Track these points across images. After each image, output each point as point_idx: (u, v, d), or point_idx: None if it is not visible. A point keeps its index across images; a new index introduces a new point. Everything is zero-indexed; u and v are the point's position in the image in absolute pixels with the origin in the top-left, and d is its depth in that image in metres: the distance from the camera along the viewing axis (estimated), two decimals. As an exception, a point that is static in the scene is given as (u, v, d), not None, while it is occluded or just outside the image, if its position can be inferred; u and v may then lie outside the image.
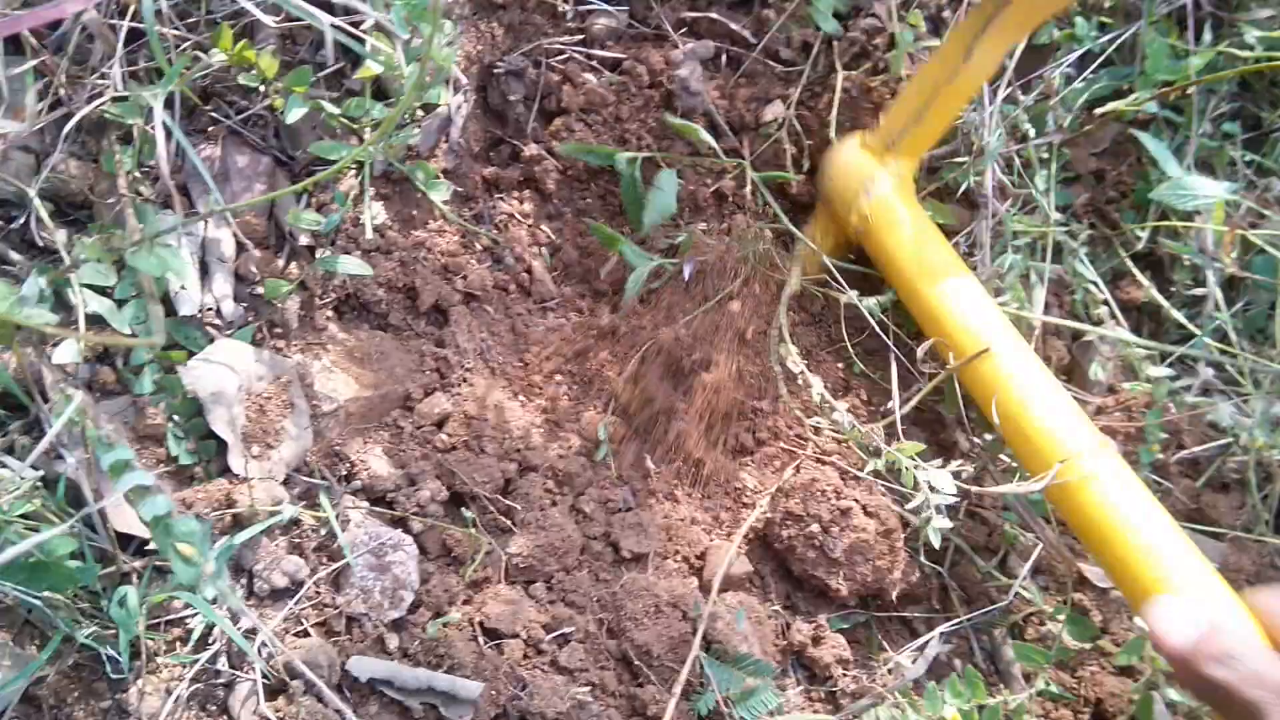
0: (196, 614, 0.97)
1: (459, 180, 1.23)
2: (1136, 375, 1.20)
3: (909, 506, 1.05)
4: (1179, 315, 1.26)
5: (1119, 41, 1.32)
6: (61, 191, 1.03)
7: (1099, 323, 1.24)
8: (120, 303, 0.99)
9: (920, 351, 1.12)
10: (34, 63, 0.99)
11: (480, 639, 1.04)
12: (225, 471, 1.02)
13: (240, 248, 1.10)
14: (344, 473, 1.08)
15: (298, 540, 1.04)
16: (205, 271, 1.08)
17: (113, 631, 0.94)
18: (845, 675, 1.13)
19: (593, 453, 1.16)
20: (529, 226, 1.26)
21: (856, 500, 1.12)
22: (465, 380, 1.15)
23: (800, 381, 1.16)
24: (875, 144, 1.17)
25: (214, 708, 0.97)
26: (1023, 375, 1.05)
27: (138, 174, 1.04)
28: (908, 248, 1.13)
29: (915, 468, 1.04)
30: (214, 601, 0.94)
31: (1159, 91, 1.27)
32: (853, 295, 1.18)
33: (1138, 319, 1.31)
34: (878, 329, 1.20)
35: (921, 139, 1.16)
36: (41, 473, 0.84)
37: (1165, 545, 0.95)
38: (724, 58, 1.31)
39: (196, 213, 0.96)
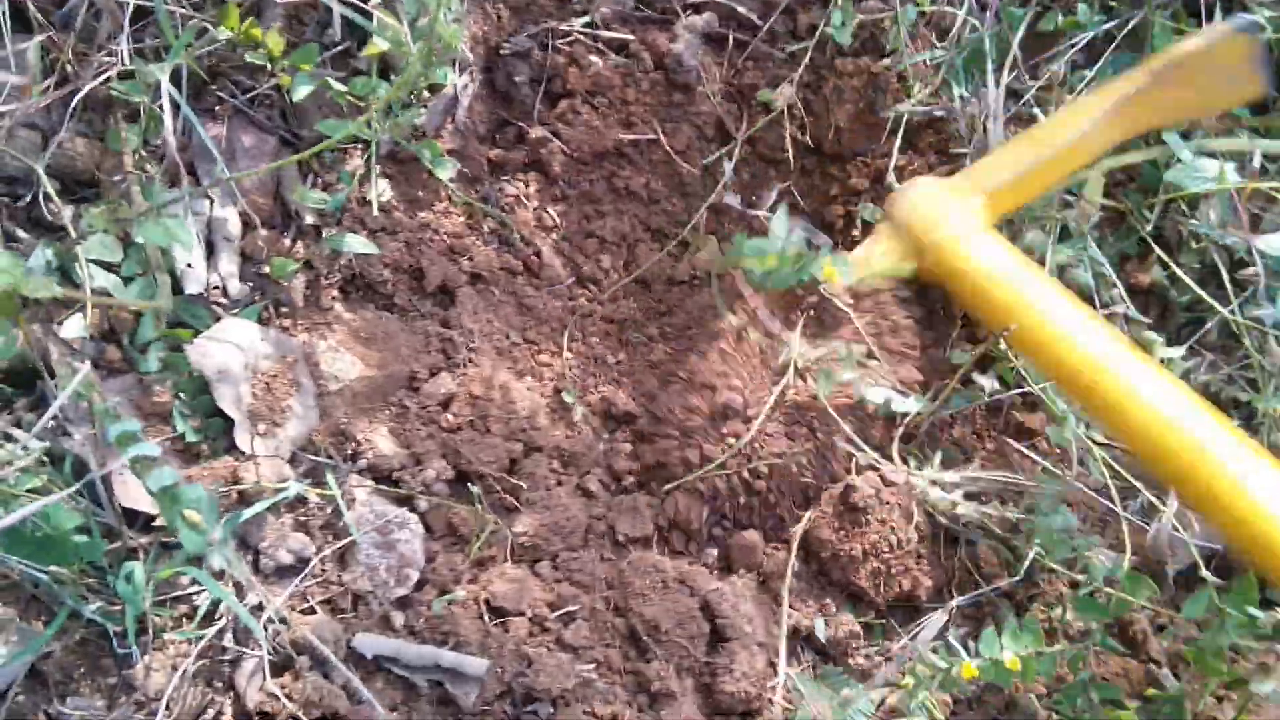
0: (202, 591, 0.98)
1: (464, 162, 1.22)
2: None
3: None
4: (1198, 290, 1.25)
5: (1129, 27, 1.31)
6: (68, 169, 1.03)
7: (1109, 306, 1.23)
8: (127, 280, 1.00)
9: None
10: (40, 38, 1.00)
11: (486, 617, 1.04)
12: (231, 449, 1.02)
13: (246, 226, 1.10)
14: (350, 452, 1.08)
15: (303, 518, 1.04)
16: (211, 250, 1.08)
17: (119, 607, 0.94)
18: (858, 652, 1.13)
19: (599, 433, 1.16)
20: (534, 209, 1.26)
21: (899, 508, 1.13)
22: (471, 361, 1.15)
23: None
24: (964, 187, 1.16)
25: (220, 684, 0.97)
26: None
27: (143, 152, 1.04)
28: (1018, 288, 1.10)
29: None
30: (220, 574, 0.94)
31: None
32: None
33: (1145, 302, 1.30)
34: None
35: (1016, 194, 1.15)
36: (47, 444, 0.84)
37: None
38: (730, 41, 1.31)
39: (202, 187, 0.96)
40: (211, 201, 1.08)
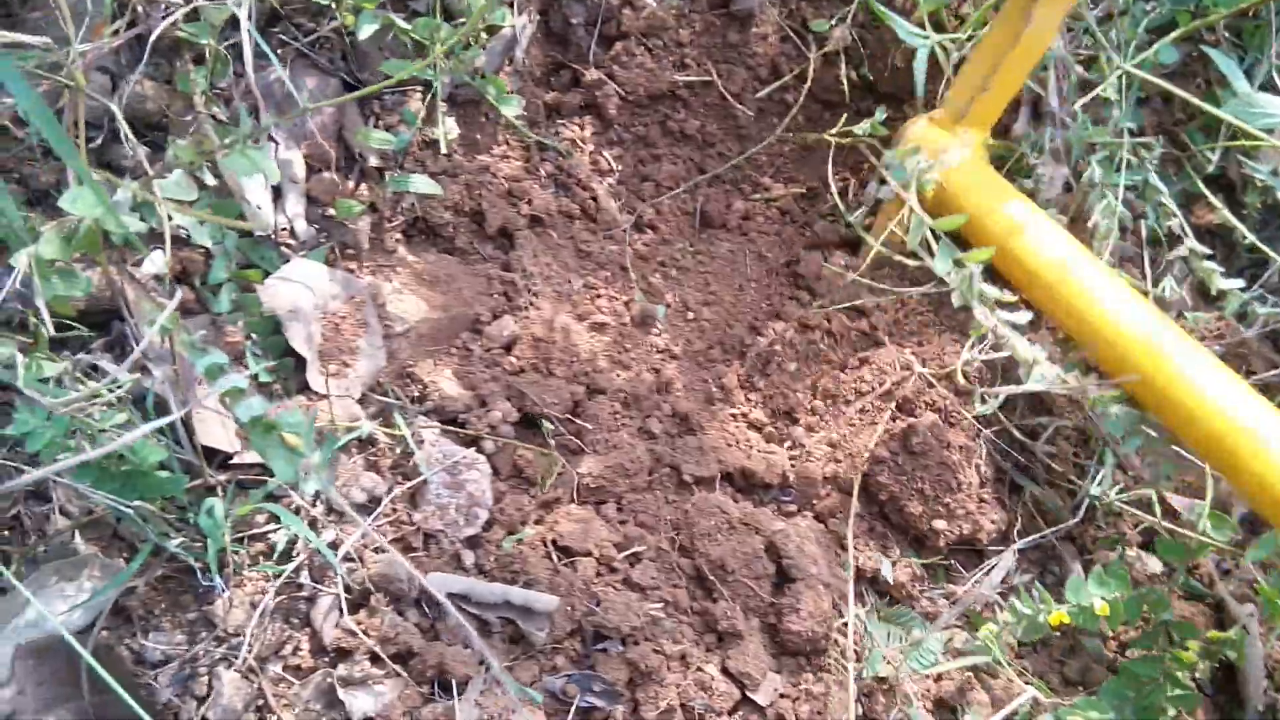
0: (279, 529, 0.99)
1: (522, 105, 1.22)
2: (1208, 297, 1.19)
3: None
4: (1252, 237, 1.23)
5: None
6: (138, 112, 1.03)
7: (1173, 240, 1.21)
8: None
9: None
10: (109, -21, 0.99)
11: (554, 556, 1.05)
12: (304, 389, 1.03)
13: (311, 169, 1.10)
14: (416, 394, 1.08)
15: (374, 458, 1.05)
16: (278, 193, 1.08)
17: (200, 544, 0.95)
18: (922, 595, 1.13)
19: (660, 374, 1.16)
20: (590, 152, 1.25)
21: (962, 449, 1.13)
22: (532, 304, 1.15)
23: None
24: (944, 118, 1.16)
25: (297, 620, 0.98)
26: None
27: (210, 95, 1.04)
28: (988, 207, 1.12)
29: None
30: (297, 511, 0.95)
31: (1235, 9, 1.24)
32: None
33: (1210, 242, 1.29)
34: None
35: (990, 107, 1.15)
36: (138, 375, 0.85)
37: None
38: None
39: (276, 124, 0.96)
40: (276, 145, 1.08)
